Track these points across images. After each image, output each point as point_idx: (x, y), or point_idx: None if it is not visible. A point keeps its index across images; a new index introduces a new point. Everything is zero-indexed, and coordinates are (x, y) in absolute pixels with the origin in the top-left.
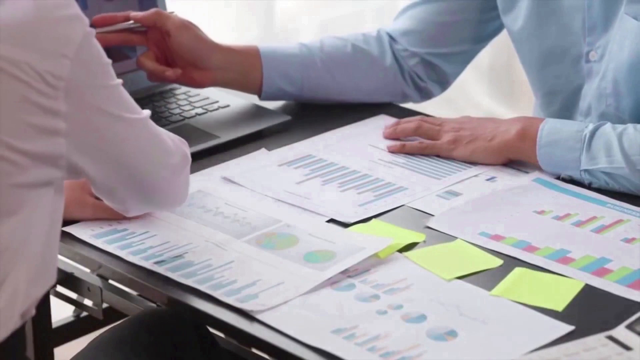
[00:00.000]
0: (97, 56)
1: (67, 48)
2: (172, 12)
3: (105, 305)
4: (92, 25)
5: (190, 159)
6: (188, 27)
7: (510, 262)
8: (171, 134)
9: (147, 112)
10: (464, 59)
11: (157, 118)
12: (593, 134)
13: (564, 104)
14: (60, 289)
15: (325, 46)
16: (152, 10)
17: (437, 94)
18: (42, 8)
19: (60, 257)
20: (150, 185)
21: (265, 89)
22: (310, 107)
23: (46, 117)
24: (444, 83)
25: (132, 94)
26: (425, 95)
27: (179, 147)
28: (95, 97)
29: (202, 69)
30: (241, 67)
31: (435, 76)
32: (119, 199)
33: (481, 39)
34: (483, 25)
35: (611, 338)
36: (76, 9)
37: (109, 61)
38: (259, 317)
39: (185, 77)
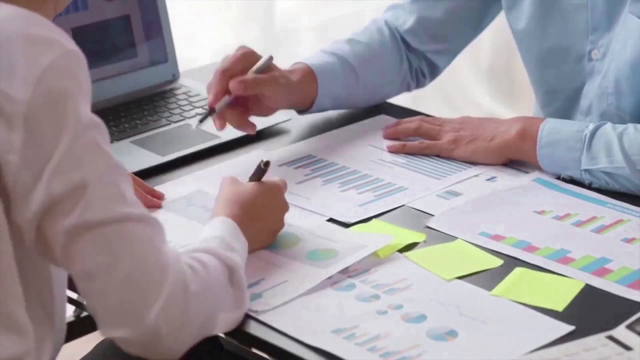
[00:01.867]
0: (65, 92)
1: (30, 71)
2: (269, 61)
3: None
4: None
5: (192, 290)
6: (282, 88)
7: (510, 262)
8: (188, 253)
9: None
10: (459, 50)
11: (157, 118)
12: (593, 133)
13: (565, 102)
14: None
15: (358, 58)
16: (251, 79)
17: (426, 85)
18: (7, 21)
19: None
20: (118, 297)
21: (312, 110)
22: None
23: None
24: (435, 75)
25: (131, 94)
26: (418, 86)
27: (178, 271)
28: (55, 141)
29: (269, 105)
30: (302, 98)
31: (430, 69)
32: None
33: (479, 30)
34: (483, 17)
35: (611, 338)
36: (50, 34)
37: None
38: (259, 317)
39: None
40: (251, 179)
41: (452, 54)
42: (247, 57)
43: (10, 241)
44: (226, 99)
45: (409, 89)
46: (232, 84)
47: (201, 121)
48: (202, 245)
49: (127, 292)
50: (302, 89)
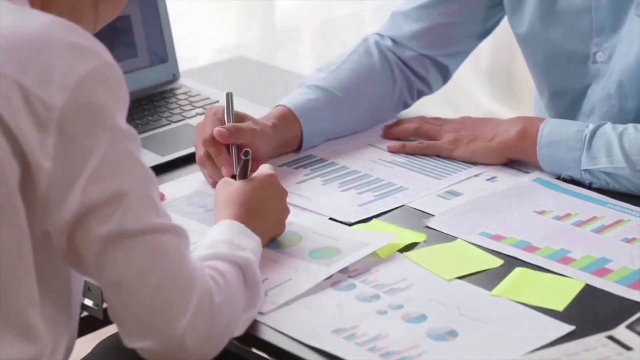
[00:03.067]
0: (100, 101)
1: (67, 78)
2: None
3: (105, 305)
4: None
5: (217, 301)
6: (261, 134)
7: (511, 262)
8: (212, 262)
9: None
10: (467, 54)
11: (157, 118)
12: (593, 134)
13: (570, 104)
14: None
15: (344, 88)
16: (231, 127)
17: (437, 90)
18: (49, 27)
19: None
20: (142, 309)
21: (302, 149)
22: None
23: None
24: (447, 77)
25: (132, 93)
26: (420, 97)
27: (205, 283)
28: (90, 148)
29: (258, 159)
30: (287, 141)
31: (441, 77)
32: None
33: (486, 33)
34: (489, 20)
35: (611, 338)
36: (90, 44)
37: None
38: (259, 317)
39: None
40: (239, 175)
41: (460, 56)
42: (218, 114)
43: (32, 248)
44: (235, 162)
45: (406, 107)
46: (216, 133)
47: None
48: (211, 251)
49: (157, 303)
50: (281, 132)
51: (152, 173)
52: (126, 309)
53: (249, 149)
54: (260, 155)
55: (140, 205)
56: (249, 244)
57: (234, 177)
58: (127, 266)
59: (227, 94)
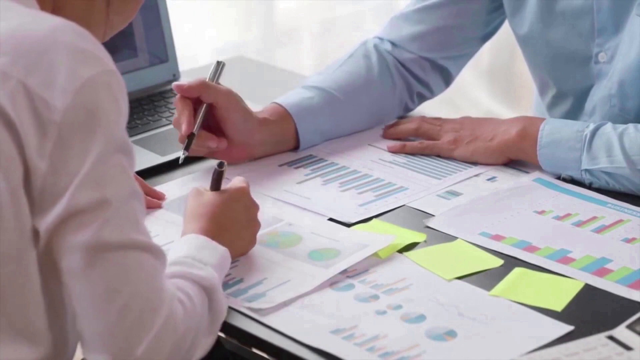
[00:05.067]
0: (101, 107)
1: (70, 81)
2: (218, 84)
3: None
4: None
5: (180, 331)
6: (237, 101)
7: (510, 262)
8: (184, 284)
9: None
10: (469, 57)
11: (157, 118)
12: (594, 133)
13: (572, 105)
14: None
15: (343, 89)
16: (198, 81)
17: (439, 93)
18: (57, 31)
19: None
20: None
21: (302, 147)
22: None
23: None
24: (448, 84)
25: (132, 93)
26: (422, 101)
27: (172, 307)
28: (84, 154)
29: (239, 144)
30: (279, 137)
31: (442, 80)
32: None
33: (487, 36)
34: (490, 24)
35: (611, 338)
36: (96, 50)
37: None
38: (259, 317)
39: (222, 153)
40: (211, 186)
41: (461, 59)
42: (202, 85)
43: (34, 248)
44: (199, 120)
45: (408, 110)
46: (176, 86)
47: (187, 149)
48: (175, 269)
49: (122, 323)
50: (272, 127)
51: (139, 190)
52: (90, 323)
53: (224, 161)
54: (240, 138)
55: (121, 218)
56: (212, 258)
57: (219, 176)
58: (98, 280)
59: (218, 62)
